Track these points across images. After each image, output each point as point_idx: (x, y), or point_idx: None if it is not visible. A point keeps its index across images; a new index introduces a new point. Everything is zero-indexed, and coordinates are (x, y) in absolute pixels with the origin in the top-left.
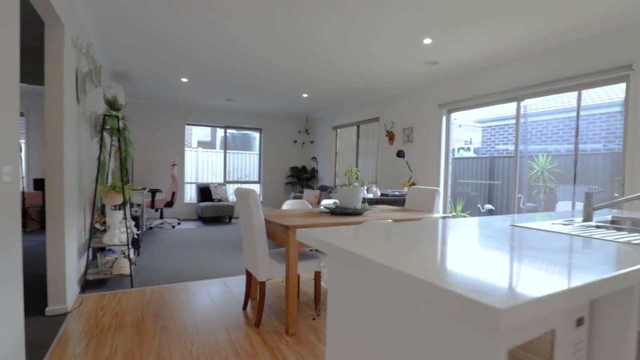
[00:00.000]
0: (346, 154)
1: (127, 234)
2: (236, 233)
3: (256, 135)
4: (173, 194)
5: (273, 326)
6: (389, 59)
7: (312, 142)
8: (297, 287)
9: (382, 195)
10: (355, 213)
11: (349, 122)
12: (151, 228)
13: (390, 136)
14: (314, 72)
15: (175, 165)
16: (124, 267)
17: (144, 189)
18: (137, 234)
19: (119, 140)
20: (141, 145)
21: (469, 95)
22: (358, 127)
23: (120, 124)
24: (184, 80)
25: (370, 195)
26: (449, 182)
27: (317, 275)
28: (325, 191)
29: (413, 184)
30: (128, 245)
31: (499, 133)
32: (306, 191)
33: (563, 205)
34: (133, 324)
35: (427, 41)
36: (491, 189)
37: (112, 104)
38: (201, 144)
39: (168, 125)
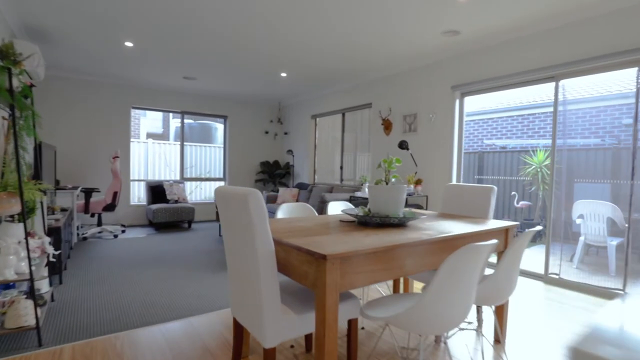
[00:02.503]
0: (328, 146)
1: (30, 259)
2: (199, 242)
3: (218, 126)
4: (115, 194)
5: None
6: (402, 24)
7: (286, 134)
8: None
9: None
10: (401, 224)
11: (332, 110)
12: (85, 239)
13: (387, 125)
14: (301, 39)
15: (117, 157)
16: (26, 315)
17: (74, 188)
18: (55, 256)
19: (12, 110)
20: (70, 132)
21: (492, 74)
22: (343, 115)
23: (15, 81)
24: (129, 44)
25: None
26: (461, 179)
27: (353, 326)
28: (305, 190)
29: (419, 180)
30: (31, 278)
31: (482, 127)
32: (281, 190)
33: (583, 205)
34: None
35: None
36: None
37: (2, 52)
38: (151, 135)
39: (108, 107)
